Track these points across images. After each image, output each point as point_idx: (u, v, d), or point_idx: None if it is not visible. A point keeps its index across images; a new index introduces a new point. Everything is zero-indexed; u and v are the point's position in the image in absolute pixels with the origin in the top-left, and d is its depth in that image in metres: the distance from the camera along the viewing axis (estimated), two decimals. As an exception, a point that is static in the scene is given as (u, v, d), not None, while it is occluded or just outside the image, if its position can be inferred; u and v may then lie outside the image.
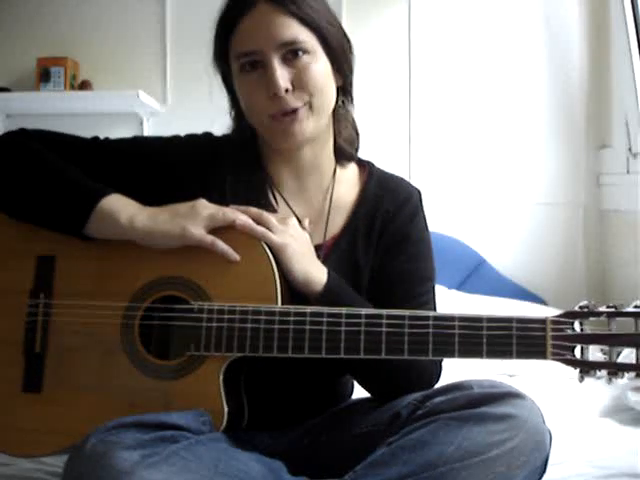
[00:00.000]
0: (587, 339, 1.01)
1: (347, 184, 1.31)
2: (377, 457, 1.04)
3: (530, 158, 2.81)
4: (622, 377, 1.00)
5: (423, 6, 2.84)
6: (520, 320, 1.03)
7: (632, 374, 0.99)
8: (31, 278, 1.19)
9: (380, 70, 2.82)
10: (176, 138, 1.30)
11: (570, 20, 2.78)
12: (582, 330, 1.02)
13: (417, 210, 1.30)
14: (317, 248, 1.22)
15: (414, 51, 2.84)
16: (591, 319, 1.02)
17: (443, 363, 1.24)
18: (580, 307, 1.02)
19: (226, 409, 1.07)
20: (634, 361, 0.99)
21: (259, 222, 1.14)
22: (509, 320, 1.03)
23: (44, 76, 2.76)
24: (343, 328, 1.06)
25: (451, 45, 2.82)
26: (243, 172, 1.28)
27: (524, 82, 2.80)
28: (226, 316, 1.09)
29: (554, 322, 1.02)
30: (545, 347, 1.01)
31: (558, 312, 1.04)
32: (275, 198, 1.28)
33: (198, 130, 1.33)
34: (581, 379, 1.01)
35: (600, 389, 1.83)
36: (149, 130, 2.89)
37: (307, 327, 1.07)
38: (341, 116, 1.30)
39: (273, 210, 1.24)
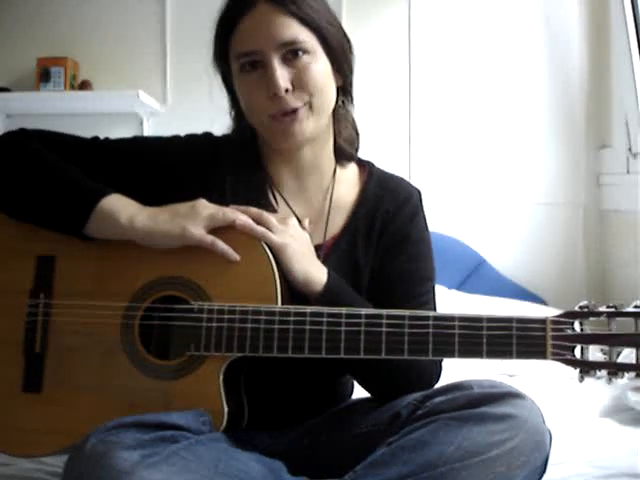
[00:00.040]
0: (587, 339, 1.01)
1: (347, 184, 1.31)
2: (377, 457, 1.04)
3: (530, 158, 2.81)
4: (622, 377, 1.00)
5: (423, 6, 2.84)
6: (520, 320, 1.03)
7: (632, 374, 0.99)
8: (31, 278, 1.19)
9: (380, 70, 2.82)
10: (176, 138, 1.30)
11: (570, 20, 2.78)
12: (582, 330, 1.02)
13: (417, 210, 1.30)
14: (317, 248, 1.22)
15: (414, 51, 2.84)
16: (591, 319, 1.02)
17: (443, 363, 1.24)
18: (580, 307, 1.02)
19: (226, 409, 1.07)
20: (634, 361, 0.99)
21: (259, 222, 1.14)
22: (509, 320, 1.03)
23: (44, 76, 2.76)
24: (343, 328, 1.06)
25: (451, 45, 2.82)
26: (243, 172, 1.28)
27: (524, 82, 2.81)
28: (226, 316, 1.09)
29: (554, 322, 1.02)
30: (545, 347, 1.01)
31: (558, 312, 1.04)
32: (275, 198, 1.28)
33: (198, 130, 1.33)
34: (581, 379, 1.01)
35: (600, 389, 1.83)
36: (149, 130, 2.89)
37: (307, 327, 1.07)
38: (341, 116, 1.30)
39: (273, 210, 1.24)
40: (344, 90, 1.29)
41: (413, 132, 2.84)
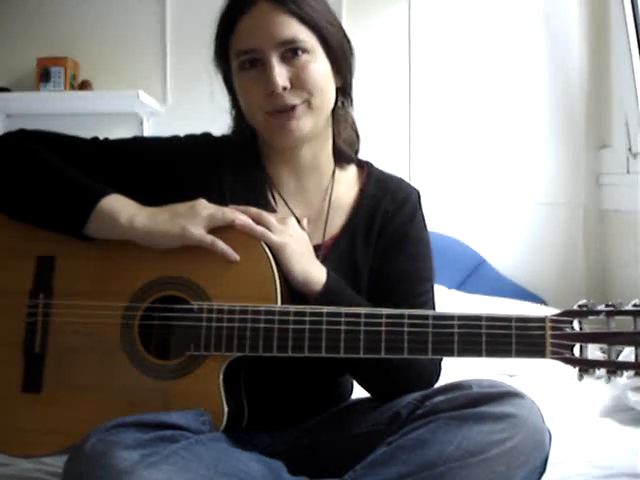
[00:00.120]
0: (586, 338, 1.01)
1: (346, 184, 1.31)
2: (377, 457, 1.04)
3: (530, 158, 2.81)
4: (621, 376, 1.00)
5: (423, 6, 2.84)
6: (519, 319, 1.03)
7: (631, 372, 0.99)
8: (31, 278, 1.19)
9: (380, 70, 2.82)
10: (175, 138, 1.31)
11: (570, 20, 2.78)
12: (581, 329, 1.02)
13: (416, 210, 1.30)
14: (316, 248, 1.22)
15: (414, 51, 2.84)
16: (590, 318, 1.02)
17: (443, 363, 1.24)
18: (579, 306, 1.02)
19: (226, 409, 1.07)
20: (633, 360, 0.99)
21: (258, 222, 1.14)
22: (508, 319, 1.03)
23: (44, 76, 2.76)
24: (343, 327, 1.06)
25: (451, 45, 2.82)
26: (242, 172, 1.28)
27: (524, 82, 2.80)
28: (226, 316, 1.09)
29: (553, 321, 1.02)
30: (544, 346, 1.01)
31: (558, 312, 1.04)
32: (274, 198, 1.28)
33: (198, 130, 1.33)
34: (580, 378, 1.01)
35: (600, 389, 1.83)
36: (149, 130, 2.89)
37: (307, 327, 1.07)
38: (340, 117, 1.30)
39: (272, 210, 1.24)
40: (343, 91, 1.29)
41: (413, 132, 2.84)
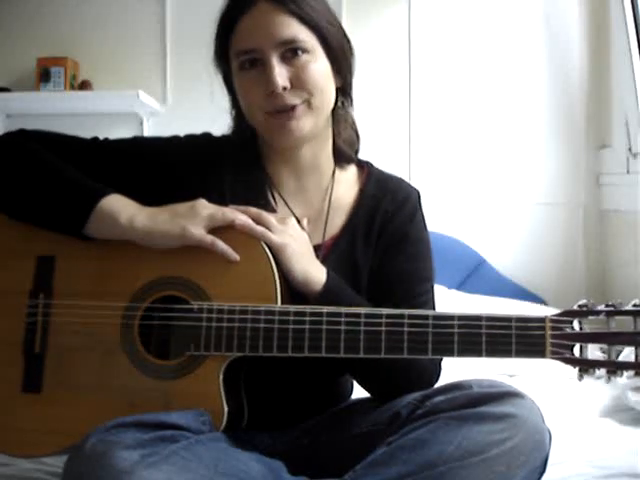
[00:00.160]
0: (586, 338, 1.01)
1: (346, 184, 1.31)
2: (377, 457, 1.04)
3: (530, 158, 2.81)
4: (621, 376, 1.00)
5: (423, 6, 2.84)
6: (519, 319, 1.03)
7: (631, 372, 0.99)
8: (31, 278, 1.19)
9: (380, 70, 2.82)
10: (175, 138, 1.31)
11: (570, 20, 2.78)
12: (581, 329, 1.02)
13: (416, 210, 1.30)
14: (316, 248, 1.22)
15: (414, 51, 2.84)
16: (590, 318, 1.02)
17: (443, 363, 1.24)
18: (579, 306, 1.02)
19: (226, 409, 1.07)
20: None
21: (258, 222, 1.14)
22: (508, 319, 1.03)
23: (44, 76, 2.76)
24: (343, 327, 1.06)
25: (451, 45, 2.82)
26: (242, 172, 1.28)
27: (524, 82, 2.80)
28: (226, 316, 1.09)
29: (553, 321, 1.02)
30: (544, 346, 1.01)
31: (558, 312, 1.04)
32: (274, 198, 1.28)
33: (198, 130, 1.33)
34: (580, 378, 1.01)
35: (600, 389, 1.83)
36: (149, 130, 2.89)
37: (307, 327, 1.07)
38: (340, 117, 1.30)
39: (272, 210, 1.24)
40: (344, 91, 1.29)
41: (413, 132, 2.84)
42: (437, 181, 2.79)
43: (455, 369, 1.41)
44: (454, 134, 2.82)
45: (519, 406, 1.02)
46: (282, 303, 1.09)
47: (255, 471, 1.02)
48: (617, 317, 1.01)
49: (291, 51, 1.18)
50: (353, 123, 1.34)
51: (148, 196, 1.17)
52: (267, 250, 1.12)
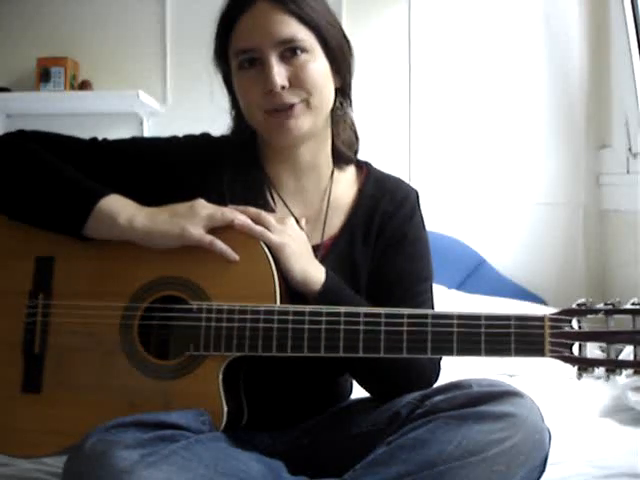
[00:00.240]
0: (585, 336, 1.01)
1: (345, 185, 1.31)
2: (376, 456, 1.04)
3: (530, 158, 2.81)
4: (620, 374, 1.00)
5: (423, 6, 2.84)
6: (518, 318, 1.03)
7: (630, 371, 0.99)
8: (30, 279, 1.19)
9: (380, 70, 2.82)
10: (175, 138, 1.31)
11: (570, 20, 2.78)
12: (580, 328, 1.02)
13: (415, 210, 1.30)
14: (315, 248, 1.22)
15: (414, 51, 2.84)
16: (589, 317, 1.02)
17: (442, 363, 1.24)
18: (578, 305, 1.02)
19: (225, 409, 1.07)
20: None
21: (257, 222, 1.14)
22: (507, 318, 1.03)
23: (44, 76, 2.76)
24: (342, 327, 1.06)
25: (451, 45, 2.82)
26: (242, 172, 1.28)
27: (524, 82, 2.80)
28: (225, 316, 1.09)
29: (552, 319, 1.02)
30: (543, 344, 1.01)
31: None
32: (273, 198, 1.28)
33: (198, 130, 1.33)
34: (579, 376, 1.01)
35: (600, 389, 1.83)
36: (149, 130, 2.89)
37: (306, 326, 1.07)
38: (339, 117, 1.30)
39: (271, 210, 1.24)
40: (343, 92, 1.29)
41: (413, 132, 2.84)
42: (437, 181, 2.79)
43: (455, 369, 1.41)
44: (454, 134, 2.82)
45: (519, 405, 1.02)
46: (281, 303, 1.09)
47: (255, 471, 1.02)
48: (616, 316, 1.01)
49: (290, 50, 1.18)
50: (352, 124, 1.34)
51: (147, 196, 1.18)
52: (266, 250, 1.12)
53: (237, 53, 1.20)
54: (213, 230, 1.12)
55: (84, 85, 2.83)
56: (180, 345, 1.11)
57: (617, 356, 1.01)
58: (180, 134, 1.32)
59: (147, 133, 2.86)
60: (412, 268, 1.26)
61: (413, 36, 2.85)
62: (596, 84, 2.77)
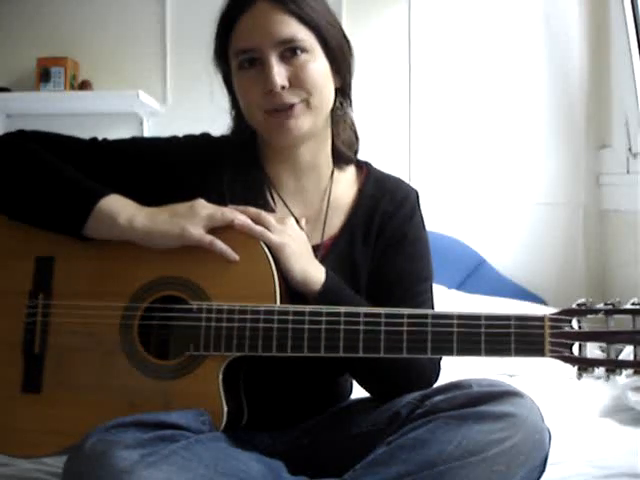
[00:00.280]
0: (585, 336, 1.01)
1: (345, 185, 1.31)
2: (376, 456, 1.04)
3: (530, 158, 2.81)
4: (620, 374, 1.00)
5: (423, 6, 2.84)
6: (518, 318, 1.03)
7: (630, 371, 0.99)
8: (30, 279, 1.19)
9: (380, 70, 2.82)
10: (175, 138, 1.31)
11: (570, 20, 2.78)
12: (580, 327, 1.02)
13: (414, 210, 1.30)
14: (315, 248, 1.22)
15: (414, 51, 2.84)
16: (589, 317, 1.02)
17: (442, 363, 1.24)
18: (578, 305, 1.02)
19: (225, 409, 1.07)
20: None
21: (257, 222, 1.14)
22: (507, 318, 1.03)
23: (44, 76, 2.76)
24: (342, 327, 1.06)
25: (451, 45, 2.82)
26: (242, 172, 1.28)
27: (524, 82, 2.80)
28: (225, 316, 1.09)
29: (552, 319, 1.02)
30: (543, 344, 1.01)
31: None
32: (273, 198, 1.28)
33: (198, 130, 1.33)
34: (579, 376, 1.01)
35: (600, 389, 1.83)
36: (149, 130, 2.89)
37: (306, 326, 1.07)
38: (339, 118, 1.30)
39: (271, 210, 1.24)
40: (343, 92, 1.29)
41: (413, 132, 2.84)
42: (437, 181, 2.79)
43: (455, 369, 1.41)
44: (454, 134, 2.82)
45: (519, 405, 1.02)
46: (281, 303, 1.09)
47: (255, 471, 1.02)
48: (616, 316, 1.01)
49: (290, 50, 1.18)
50: (352, 124, 1.34)
51: (147, 196, 1.18)
52: (266, 250, 1.12)
53: (237, 53, 1.20)
54: (213, 230, 1.12)
55: (84, 85, 2.83)
56: (180, 345, 1.11)
57: (617, 356, 1.01)
58: (180, 134, 1.32)
59: (147, 133, 2.86)
60: (412, 268, 1.26)
61: (413, 36, 2.85)
62: (596, 84, 2.77)
